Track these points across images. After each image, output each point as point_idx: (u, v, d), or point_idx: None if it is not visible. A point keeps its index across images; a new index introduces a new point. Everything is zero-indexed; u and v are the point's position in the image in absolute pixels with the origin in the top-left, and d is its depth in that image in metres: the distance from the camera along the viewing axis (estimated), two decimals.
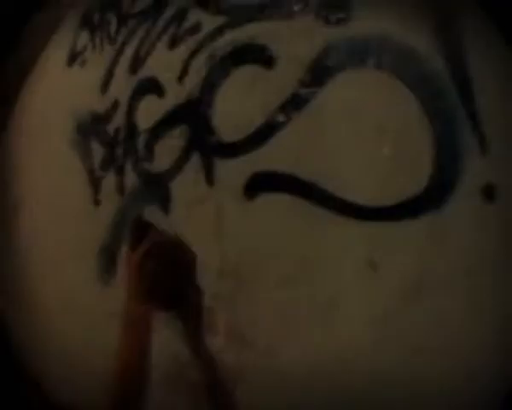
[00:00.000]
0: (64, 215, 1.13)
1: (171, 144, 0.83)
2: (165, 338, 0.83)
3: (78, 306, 0.99)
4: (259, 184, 0.77)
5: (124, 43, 1.06)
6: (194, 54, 0.87)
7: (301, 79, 0.74)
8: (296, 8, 0.79)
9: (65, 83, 1.30)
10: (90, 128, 1.05)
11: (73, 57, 1.31)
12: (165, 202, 0.82)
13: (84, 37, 1.31)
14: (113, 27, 1.17)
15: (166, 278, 0.55)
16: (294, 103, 0.73)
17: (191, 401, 0.78)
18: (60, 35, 1.51)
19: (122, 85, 0.99)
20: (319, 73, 0.73)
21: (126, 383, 0.53)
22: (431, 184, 0.66)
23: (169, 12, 0.99)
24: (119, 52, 1.06)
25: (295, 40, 0.77)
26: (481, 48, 0.65)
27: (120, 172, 0.92)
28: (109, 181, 0.95)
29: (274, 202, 0.77)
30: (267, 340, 0.77)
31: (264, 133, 0.76)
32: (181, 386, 0.81)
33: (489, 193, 0.63)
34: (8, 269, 1.43)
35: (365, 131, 0.72)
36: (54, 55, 1.45)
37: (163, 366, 0.83)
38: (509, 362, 0.66)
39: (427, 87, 0.69)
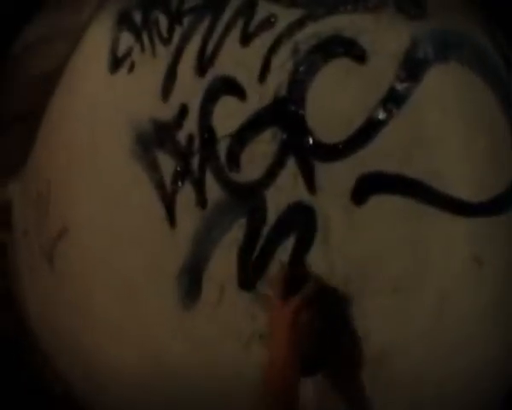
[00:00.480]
0: (126, 237, 1.13)
1: (262, 150, 0.82)
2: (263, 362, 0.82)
3: (159, 337, 0.99)
4: (367, 187, 0.75)
5: (182, 43, 1.05)
6: (273, 49, 0.85)
7: (397, 74, 0.73)
8: (377, 1, 0.79)
9: (111, 91, 1.30)
10: (154, 138, 1.04)
11: (117, 62, 1.30)
12: (260, 214, 0.81)
13: (125, 38, 1.31)
14: (163, 27, 1.16)
15: (321, 332, 0.52)
16: (394, 99, 0.72)
17: None
18: (89, 38, 1.51)
19: (189, 88, 0.99)
20: (413, 68, 0.74)
21: None
22: None
23: (233, 5, 0.97)
24: (179, 52, 1.05)
25: (383, 33, 0.77)
26: None
27: (200, 185, 0.90)
28: (186, 195, 0.94)
29: (381, 206, 0.76)
30: (380, 349, 0.76)
31: (367, 132, 0.75)
32: None
33: None
34: (46, 303, 1.45)
35: (461, 126, 0.73)
36: (87, 61, 1.45)
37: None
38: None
39: (497, 80, 0.73)
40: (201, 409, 1.00)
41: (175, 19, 1.13)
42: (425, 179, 0.74)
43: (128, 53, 1.27)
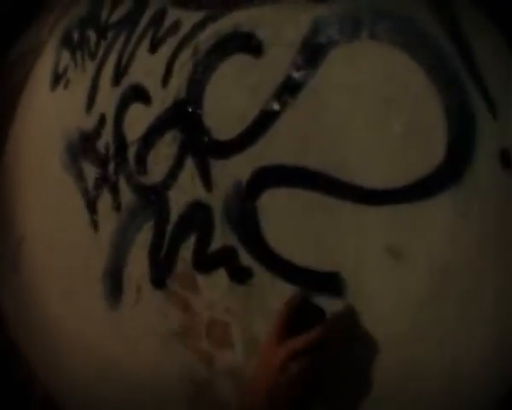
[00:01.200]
0: (65, 243, 1.07)
1: (164, 152, 0.77)
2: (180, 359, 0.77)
3: (91, 333, 0.93)
4: (263, 181, 0.69)
5: (104, 56, 1.01)
6: (176, 53, 0.81)
7: (294, 62, 0.66)
8: None
9: (51, 106, 1.26)
10: (80, 148, 1.00)
11: (56, 80, 1.28)
12: (165, 214, 0.75)
13: (65, 57, 1.28)
14: (92, 42, 1.11)
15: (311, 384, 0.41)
16: (289, 88, 0.66)
17: None
18: (43, 57, 1.46)
19: (107, 98, 0.95)
20: (312, 53, 0.66)
21: None
22: (447, 158, 0.57)
23: (146, 16, 0.92)
24: (101, 65, 1.02)
25: (282, 23, 0.69)
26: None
27: (115, 189, 0.85)
28: (105, 201, 0.89)
29: (278, 200, 0.70)
30: None
31: (261, 125, 0.69)
32: (201, 406, 0.74)
33: (505, 158, 0.55)
34: (17, 304, 1.38)
35: (371, 109, 0.62)
36: (38, 81, 1.40)
37: (181, 388, 0.76)
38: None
39: (430, 54, 0.61)
40: (136, 406, 0.94)
41: (101, 34, 1.09)
42: (328, 170, 0.67)
43: (65, 70, 1.24)
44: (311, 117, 0.69)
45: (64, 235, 1.12)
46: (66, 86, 1.22)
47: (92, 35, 1.18)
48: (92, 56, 1.12)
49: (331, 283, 0.64)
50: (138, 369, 0.90)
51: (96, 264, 0.94)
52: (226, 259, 0.73)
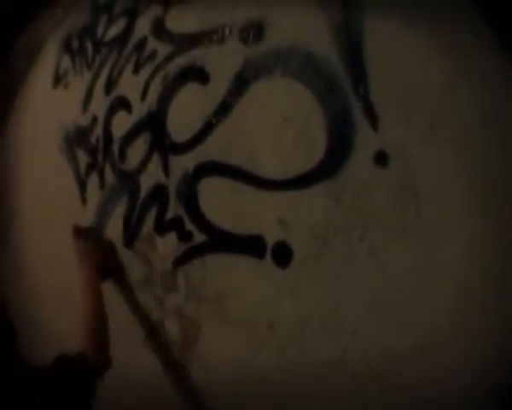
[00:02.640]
0: (57, 213, 1.60)
1: (139, 148, 1.30)
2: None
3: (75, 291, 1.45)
4: (202, 172, 1.21)
5: (99, 69, 1.55)
6: (152, 76, 1.33)
7: (229, 90, 1.18)
8: (225, 34, 1.22)
9: (52, 101, 1.80)
10: (76, 139, 1.54)
11: (57, 80, 1.81)
12: (136, 192, 1.28)
13: (65, 61, 1.81)
14: (89, 53, 1.65)
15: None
16: (222, 109, 1.17)
17: None
18: (43, 58, 2.01)
19: (99, 104, 1.48)
20: (239, 84, 1.17)
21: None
22: (325, 159, 1.06)
23: (132, 42, 1.45)
24: (96, 76, 1.55)
25: (224, 60, 1.20)
26: None
27: (102, 173, 1.39)
28: (93, 181, 1.42)
29: (212, 185, 1.20)
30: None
31: (203, 133, 1.21)
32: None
33: (380, 159, 1.02)
34: (8, 269, 1.92)
35: (275, 124, 1.12)
36: (40, 77, 1.95)
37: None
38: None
39: (321, 83, 1.04)
40: None
41: (97, 48, 1.62)
42: (243, 165, 1.16)
43: (65, 73, 1.77)
44: (235, 130, 1.20)
45: (55, 208, 1.65)
46: (66, 87, 1.76)
47: (89, 46, 1.71)
48: (89, 66, 1.65)
49: (246, 241, 1.15)
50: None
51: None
52: (176, 225, 1.25)
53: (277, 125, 1.12)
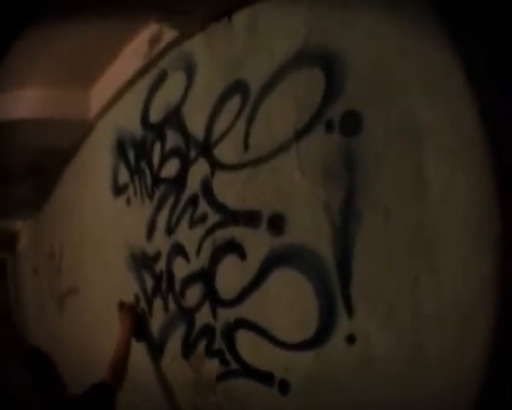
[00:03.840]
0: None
1: (195, 293, 2.07)
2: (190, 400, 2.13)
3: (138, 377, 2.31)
4: (239, 324, 1.98)
5: (159, 206, 2.28)
6: (204, 238, 2.07)
7: (259, 271, 1.89)
8: (259, 221, 1.91)
9: (113, 209, 2.58)
10: (142, 263, 2.32)
11: (117, 190, 2.58)
12: (191, 324, 2.08)
13: (123, 172, 2.54)
14: (149, 183, 2.37)
15: None
16: (255, 284, 1.90)
17: None
18: (94, 142, 2.76)
19: (162, 241, 2.23)
20: (265, 268, 1.86)
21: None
22: (317, 332, 1.76)
23: (187, 193, 2.16)
24: (157, 211, 2.29)
25: (257, 244, 1.90)
26: None
27: (166, 299, 2.18)
28: (158, 303, 2.22)
29: (247, 335, 1.97)
30: None
31: (241, 298, 1.95)
32: None
33: (350, 340, 1.78)
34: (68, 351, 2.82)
35: (284, 305, 1.86)
36: (93, 167, 2.71)
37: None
38: None
39: (319, 277, 1.65)
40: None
41: (155, 182, 2.34)
42: (267, 328, 1.94)
43: (125, 187, 2.52)
44: (263, 299, 1.93)
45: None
46: (128, 203, 2.51)
47: (147, 173, 2.43)
48: (150, 197, 2.37)
49: (261, 373, 1.93)
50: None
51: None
52: (219, 354, 2.04)
53: (287, 306, 1.83)
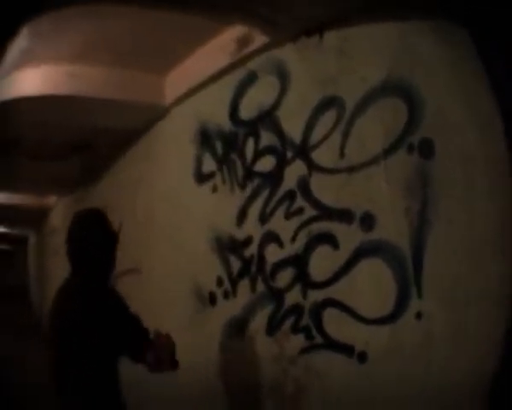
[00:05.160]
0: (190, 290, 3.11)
1: (286, 276, 2.74)
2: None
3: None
4: (327, 304, 2.65)
5: (252, 197, 2.94)
6: (300, 228, 2.73)
7: (348, 259, 2.59)
8: (352, 218, 2.57)
9: (197, 197, 3.26)
10: (230, 247, 2.98)
11: (201, 177, 3.26)
12: (280, 304, 2.75)
13: (208, 161, 3.23)
14: (240, 173, 3.04)
15: None
16: (344, 270, 2.58)
17: None
18: (169, 124, 3.42)
19: (254, 228, 2.89)
20: (354, 258, 2.53)
21: None
22: (393, 310, 2.43)
23: (283, 189, 2.83)
24: (249, 202, 2.94)
25: (349, 238, 2.57)
26: None
27: (254, 281, 2.85)
28: (245, 284, 2.89)
29: (333, 312, 2.64)
30: None
31: (331, 281, 2.63)
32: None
33: (418, 316, 2.43)
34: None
35: (369, 284, 2.54)
36: (169, 150, 3.39)
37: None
38: None
39: (398, 265, 2.36)
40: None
41: (248, 174, 3.01)
42: (354, 307, 2.59)
43: (211, 175, 3.20)
44: (351, 283, 2.57)
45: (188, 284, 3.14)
46: (213, 190, 3.16)
47: (238, 165, 3.08)
48: (241, 187, 3.02)
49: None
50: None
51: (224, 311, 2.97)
52: (306, 331, 2.69)
53: (370, 288, 2.50)
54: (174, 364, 2.37)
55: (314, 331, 2.67)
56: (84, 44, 3.59)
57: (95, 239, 2.41)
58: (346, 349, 2.51)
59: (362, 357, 2.44)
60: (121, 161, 4.49)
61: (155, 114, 3.92)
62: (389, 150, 2.38)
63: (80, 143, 4.78)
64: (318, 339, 2.66)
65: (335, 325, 2.60)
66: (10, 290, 13.88)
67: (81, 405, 2.29)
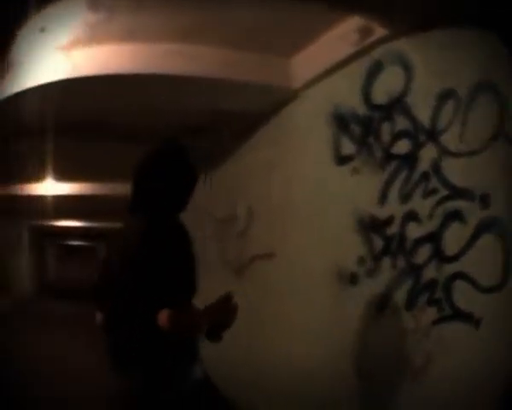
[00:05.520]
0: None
1: (424, 251, 3.14)
2: None
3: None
4: (456, 277, 2.96)
5: (391, 178, 3.37)
6: (436, 206, 3.11)
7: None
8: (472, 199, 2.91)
9: (337, 178, 3.68)
10: (370, 225, 3.40)
11: (341, 159, 3.69)
12: (418, 279, 3.09)
13: (347, 144, 3.64)
14: (378, 156, 3.39)
15: None
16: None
17: None
18: (299, 106, 3.83)
19: (395, 208, 3.33)
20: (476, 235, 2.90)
21: None
22: (502, 278, 2.83)
23: (418, 171, 3.18)
24: (389, 183, 3.37)
25: (472, 213, 2.90)
26: None
27: (394, 258, 3.23)
28: (386, 261, 3.26)
29: (460, 283, 2.96)
30: None
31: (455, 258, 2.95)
32: None
33: None
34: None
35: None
36: (305, 135, 3.80)
37: None
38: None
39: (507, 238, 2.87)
40: None
41: (386, 157, 3.40)
42: (474, 276, 2.91)
43: (350, 158, 3.61)
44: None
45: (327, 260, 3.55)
46: (354, 172, 3.58)
47: (376, 147, 3.44)
48: (381, 168, 3.38)
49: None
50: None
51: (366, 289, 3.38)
52: (438, 303, 3.06)
53: (486, 260, 2.85)
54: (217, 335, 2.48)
55: (444, 303, 3.16)
56: (198, 24, 3.71)
57: (176, 175, 2.43)
58: (469, 317, 3.00)
59: (478, 323, 2.95)
60: (247, 145, 4.87)
61: (283, 97, 4.25)
62: (492, 139, 2.92)
63: (197, 126, 4.97)
64: (447, 311, 3.15)
65: (461, 295, 3.07)
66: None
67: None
